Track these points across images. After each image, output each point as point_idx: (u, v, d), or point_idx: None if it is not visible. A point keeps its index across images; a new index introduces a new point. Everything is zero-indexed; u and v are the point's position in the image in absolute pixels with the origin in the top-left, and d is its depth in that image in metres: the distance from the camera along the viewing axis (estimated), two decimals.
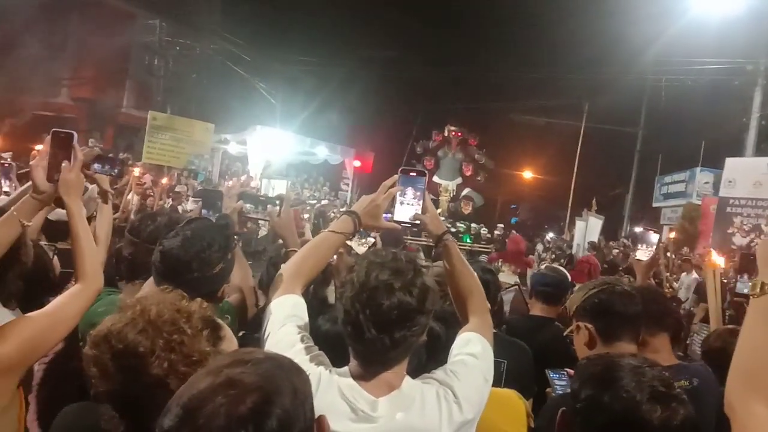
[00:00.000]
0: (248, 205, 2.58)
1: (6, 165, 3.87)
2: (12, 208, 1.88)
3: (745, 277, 3.02)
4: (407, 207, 1.84)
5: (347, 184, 24.07)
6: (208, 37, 19.92)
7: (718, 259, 3.82)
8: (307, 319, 1.70)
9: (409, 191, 1.84)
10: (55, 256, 2.67)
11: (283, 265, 1.84)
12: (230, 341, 1.35)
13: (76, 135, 1.90)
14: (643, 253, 3.50)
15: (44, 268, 2.46)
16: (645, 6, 16.66)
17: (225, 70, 20.67)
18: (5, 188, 3.56)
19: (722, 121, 17.83)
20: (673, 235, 13.09)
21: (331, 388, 1.46)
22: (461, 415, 1.52)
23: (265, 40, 21.50)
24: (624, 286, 2.05)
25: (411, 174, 1.86)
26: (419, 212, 1.82)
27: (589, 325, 1.94)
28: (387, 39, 23.41)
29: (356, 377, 1.49)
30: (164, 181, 8.06)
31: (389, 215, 1.89)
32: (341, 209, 19.04)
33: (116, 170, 2.41)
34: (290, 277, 1.75)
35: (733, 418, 1.17)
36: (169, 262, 1.84)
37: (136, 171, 6.46)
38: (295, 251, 2.32)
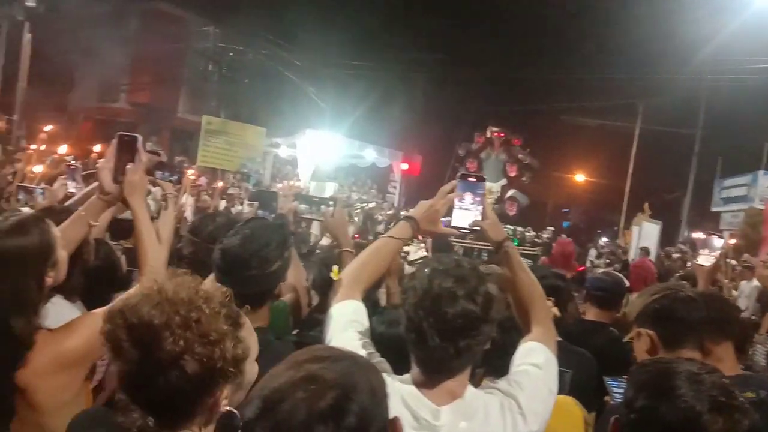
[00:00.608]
0: (303, 206, 2.63)
1: (72, 167, 4.05)
2: (80, 208, 1.97)
3: None
4: (466, 212, 1.81)
5: (395, 187, 24.10)
6: (260, 42, 20.33)
7: None
8: (368, 324, 1.70)
9: (468, 196, 1.81)
10: (123, 255, 2.77)
11: (342, 270, 1.86)
12: (249, 330, 1.32)
13: (140, 138, 1.97)
14: (705, 258, 3.38)
15: (112, 265, 2.56)
16: (703, 2, 16.09)
17: (276, 75, 21.05)
18: (71, 189, 3.72)
19: None
20: (733, 241, 12.56)
21: (394, 396, 1.44)
22: (526, 426, 1.50)
23: (316, 45, 21.78)
24: (687, 291, 1.99)
25: (470, 179, 1.84)
26: (478, 218, 1.80)
27: (651, 332, 1.88)
28: (436, 42, 23.39)
29: (418, 385, 1.48)
30: (220, 184, 8.28)
31: (447, 220, 1.88)
32: (388, 212, 19.12)
33: (175, 176, 2.50)
34: (350, 282, 1.76)
35: None
36: (229, 260, 1.90)
37: (190, 173, 6.63)
38: (349, 251, 2.35)
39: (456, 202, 1.81)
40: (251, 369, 1.29)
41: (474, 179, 1.84)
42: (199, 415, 1.22)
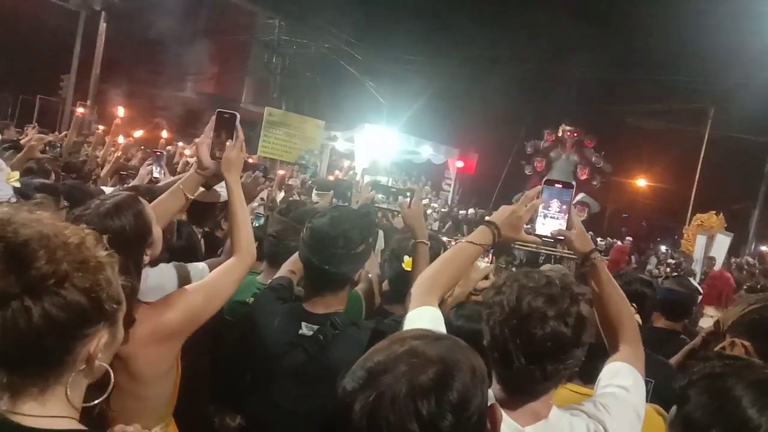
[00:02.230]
0: (380, 196, 2.64)
1: (159, 153, 4.23)
2: (179, 182, 2.04)
3: None
4: (551, 221, 1.72)
5: (449, 185, 23.98)
6: (323, 36, 20.57)
7: None
8: (444, 332, 1.62)
9: (554, 204, 1.73)
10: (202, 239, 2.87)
11: (420, 275, 1.80)
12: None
13: (239, 116, 2.00)
14: None
15: (193, 246, 2.66)
16: None
17: (337, 69, 21.27)
18: (155, 174, 3.89)
19: None
20: None
21: None
22: None
23: (376, 40, 21.89)
24: None
25: (557, 185, 1.75)
26: (563, 227, 1.72)
27: (746, 343, 1.80)
28: (495, 38, 23.05)
29: (500, 403, 1.40)
30: (281, 172, 8.45)
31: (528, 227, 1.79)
32: (442, 209, 19.04)
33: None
34: (427, 288, 1.71)
35: None
36: (318, 236, 1.97)
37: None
38: (424, 243, 2.34)
39: (540, 209, 1.73)
40: (122, 331, 1.13)
41: (561, 185, 1.75)
42: (70, 368, 1.03)
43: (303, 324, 1.97)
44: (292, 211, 2.50)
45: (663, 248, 20.48)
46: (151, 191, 2.53)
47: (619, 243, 13.15)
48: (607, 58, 23.14)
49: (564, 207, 1.73)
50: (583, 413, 1.49)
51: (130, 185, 3.44)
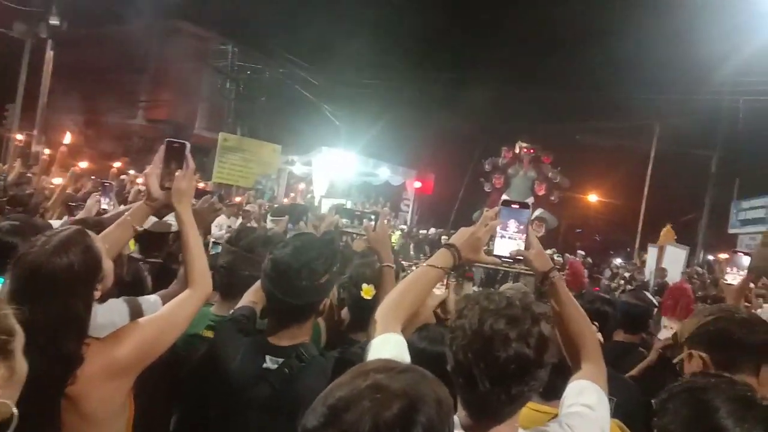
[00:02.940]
0: (344, 220, 2.61)
1: (107, 184, 4.11)
2: (126, 213, 1.98)
3: None
4: (509, 241, 1.72)
5: (407, 205, 24.15)
6: (277, 61, 20.56)
7: None
8: (408, 359, 1.61)
9: (512, 224, 1.73)
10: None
11: (382, 303, 1.76)
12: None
13: (188, 145, 1.96)
14: (733, 278, 3.31)
15: (140, 280, 2.57)
16: (720, 23, 16.05)
17: (292, 93, 21.25)
18: (104, 205, 3.78)
19: None
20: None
21: None
22: None
23: (332, 64, 22.01)
24: (743, 314, 1.93)
25: (513, 206, 1.75)
26: (522, 247, 1.72)
27: (704, 355, 1.82)
28: (450, 60, 23.56)
29: (466, 428, 1.42)
30: (238, 199, 8.32)
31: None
32: (400, 227, 19.10)
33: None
34: (389, 314, 1.68)
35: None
36: (280, 268, 1.90)
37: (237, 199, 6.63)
38: (390, 266, 2.31)
39: (498, 230, 1.73)
40: (23, 363, 1.08)
41: (517, 206, 1.75)
42: None
43: (267, 357, 1.91)
44: (242, 239, 2.39)
45: (617, 261, 21.00)
46: (100, 223, 2.45)
47: (571, 257, 13.39)
48: (560, 78, 23.92)
49: (522, 227, 1.73)
50: None
51: (77, 218, 3.32)
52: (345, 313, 2.79)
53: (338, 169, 19.25)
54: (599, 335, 2.52)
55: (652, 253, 16.17)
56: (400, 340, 1.64)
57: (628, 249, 24.45)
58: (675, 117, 21.52)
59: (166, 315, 1.80)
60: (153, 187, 1.92)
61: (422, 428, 0.91)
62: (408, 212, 23.69)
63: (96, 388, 1.60)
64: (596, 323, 2.58)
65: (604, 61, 22.29)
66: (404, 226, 18.03)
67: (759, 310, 8.37)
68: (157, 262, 2.93)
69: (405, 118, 23.32)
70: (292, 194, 16.83)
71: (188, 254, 1.90)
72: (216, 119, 21.91)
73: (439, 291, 2.86)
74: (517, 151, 15.21)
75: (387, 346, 1.60)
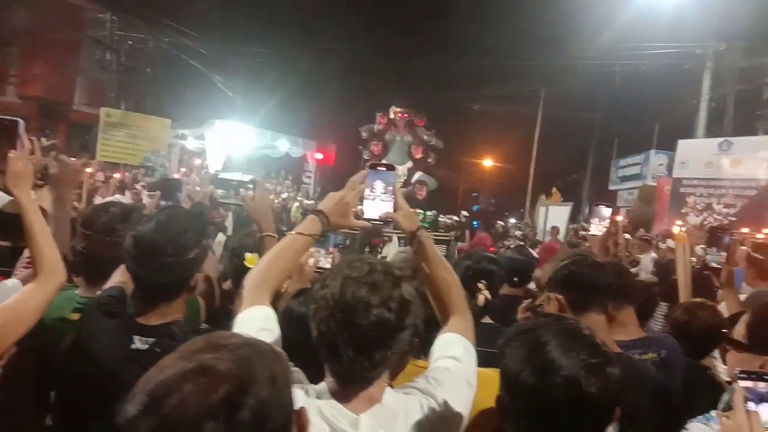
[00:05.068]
0: (220, 191, 2.51)
1: None
2: None
3: (714, 249, 3.09)
4: (378, 203, 1.74)
5: (309, 177, 23.94)
6: (161, 30, 19.43)
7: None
8: (278, 332, 1.58)
9: (378, 186, 1.74)
10: None
11: (248, 274, 1.71)
12: None
13: (22, 123, 1.79)
14: (596, 228, 3.57)
15: None
16: None
17: (180, 64, 20.22)
18: None
19: (674, 105, 18.34)
20: (620, 217, 13.46)
21: (310, 410, 1.34)
22: (446, 426, 1.48)
23: (222, 33, 21.11)
24: (595, 258, 2.08)
25: (379, 168, 1.76)
26: (390, 209, 1.73)
27: (560, 296, 1.95)
28: (346, 30, 23.29)
29: (334, 395, 1.42)
30: (116, 176, 7.85)
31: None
32: (305, 201, 18.94)
33: None
34: (257, 287, 1.62)
35: None
36: (143, 246, 1.79)
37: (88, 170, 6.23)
38: (271, 236, 2.26)
39: (366, 192, 1.74)
40: None
41: (384, 168, 1.76)
42: None
43: (136, 338, 1.82)
44: (95, 222, 2.18)
45: (511, 221, 22.07)
46: None
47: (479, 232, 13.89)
48: (451, 46, 24.35)
49: (390, 189, 1.74)
50: (416, 390, 1.51)
51: None
52: (229, 284, 2.73)
53: (234, 143, 18.66)
54: (487, 293, 2.64)
55: (541, 213, 17.23)
56: (267, 313, 1.60)
57: (521, 209, 25.74)
58: (559, 83, 22.63)
59: (11, 307, 1.67)
60: None
61: (251, 411, 0.86)
62: (310, 184, 23.48)
63: None
64: (484, 281, 2.71)
65: (494, 29, 23.00)
66: (302, 198, 17.85)
67: (640, 258, 9.12)
68: (8, 246, 2.68)
69: (302, 89, 22.91)
70: (183, 169, 16.16)
71: (33, 242, 1.75)
72: (97, 94, 20.44)
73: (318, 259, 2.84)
74: (391, 116, 15.34)
75: (255, 321, 1.56)
